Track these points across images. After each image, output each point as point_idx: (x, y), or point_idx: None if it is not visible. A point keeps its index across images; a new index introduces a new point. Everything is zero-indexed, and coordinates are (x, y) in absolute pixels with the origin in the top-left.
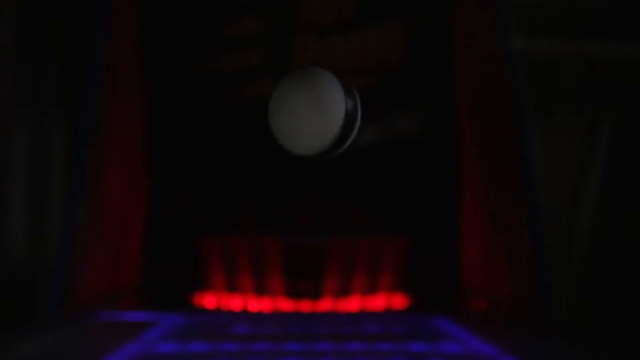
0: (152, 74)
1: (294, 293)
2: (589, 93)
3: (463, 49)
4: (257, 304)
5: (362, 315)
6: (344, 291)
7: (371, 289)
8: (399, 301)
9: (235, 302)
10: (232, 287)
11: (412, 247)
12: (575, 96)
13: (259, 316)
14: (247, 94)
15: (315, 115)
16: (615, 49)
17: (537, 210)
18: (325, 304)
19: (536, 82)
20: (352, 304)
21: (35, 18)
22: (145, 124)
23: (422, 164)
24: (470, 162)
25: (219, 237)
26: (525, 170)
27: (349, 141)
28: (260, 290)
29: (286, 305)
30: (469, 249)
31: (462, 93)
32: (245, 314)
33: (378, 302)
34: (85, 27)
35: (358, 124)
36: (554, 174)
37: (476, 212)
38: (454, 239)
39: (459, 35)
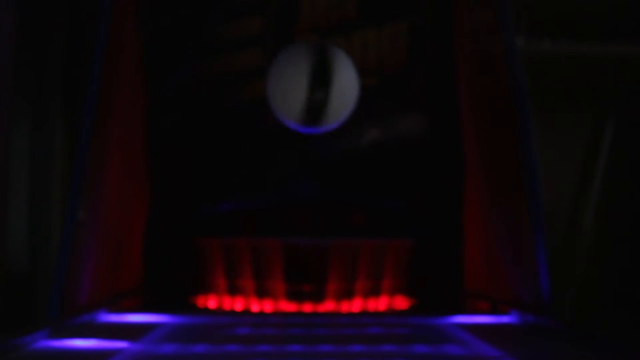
0: (152, 74)
1: (296, 296)
2: (591, 93)
3: (466, 50)
4: (259, 306)
5: (364, 317)
6: (346, 294)
7: (374, 291)
8: (402, 303)
9: (237, 304)
10: (234, 289)
11: (415, 250)
12: (577, 96)
13: (260, 318)
14: (247, 94)
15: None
16: (616, 49)
17: (540, 211)
18: (328, 307)
19: (538, 82)
20: (355, 306)
21: (35, 19)
22: (145, 125)
23: (425, 165)
24: (473, 163)
25: (220, 238)
26: (528, 171)
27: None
28: (262, 292)
29: (288, 307)
30: (471, 250)
31: (465, 94)
32: (247, 315)
33: (380, 304)
34: (86, 27)
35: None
36: (557, 174)
37: (479, 214)
38: (457, 241)
39: (461, 36)
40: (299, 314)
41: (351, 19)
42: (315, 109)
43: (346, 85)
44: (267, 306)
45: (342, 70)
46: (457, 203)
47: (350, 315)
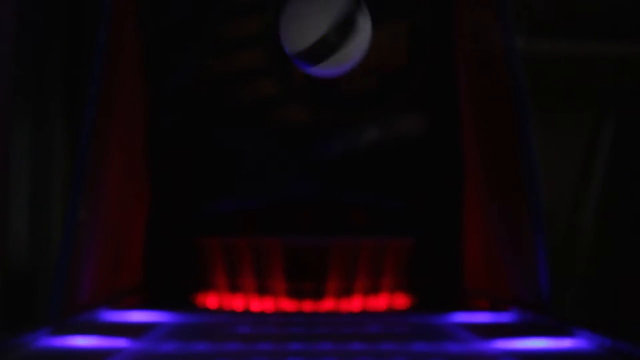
0: (152, 74)
1: (296, 294)
2: (591, 93)
3: (466, 50)
4: (260, 305)
5: (364, 316)
6: (346, 292)
7: (373, 289)
8: (402, 301)
9: (237, 303)
10: (235, 288)
11: (415, 248)
12: (577, 96)
13: (261, 316)
14: (247, 94)
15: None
16: (616, 49)
17: (540, 211)
18: (328, 305)
19: (538, 82)
20: (355, 304)
21: (35, 19)
22: (145, 125)
23: (425, 165)
24: (473, 163)
25: (221, 237)
26: (528, 171)
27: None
28: (263, 290)
29: (289, 305)
30: (471, 250)
31: (464, 94)
32: (247, 314)
33: (380, 302)
34: (86, 27)
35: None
36: (557, 174)
37: (479, 214)
38: (457, 240)
39: (461, 36)
40: (299, 313)
41: None
42: (324, 50)
43: (360, 42)
44: (268, 305)
45: (364, 27)
46: (457, 203)
47: (351, 313)
